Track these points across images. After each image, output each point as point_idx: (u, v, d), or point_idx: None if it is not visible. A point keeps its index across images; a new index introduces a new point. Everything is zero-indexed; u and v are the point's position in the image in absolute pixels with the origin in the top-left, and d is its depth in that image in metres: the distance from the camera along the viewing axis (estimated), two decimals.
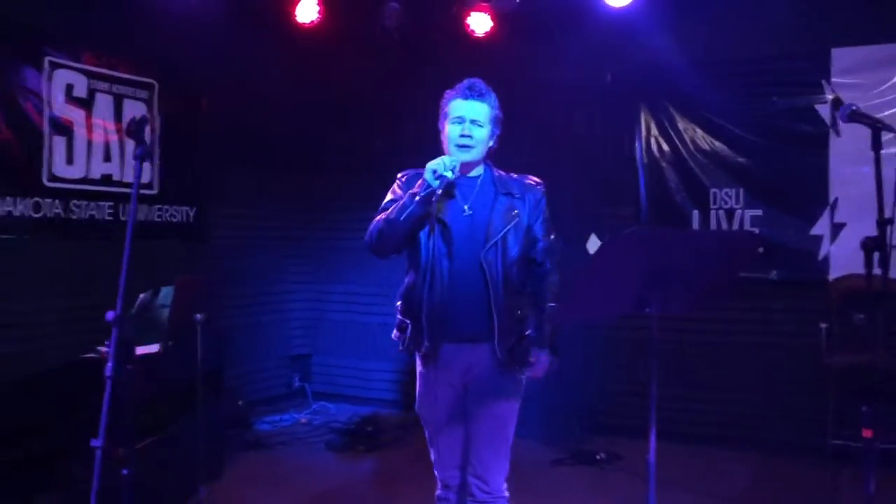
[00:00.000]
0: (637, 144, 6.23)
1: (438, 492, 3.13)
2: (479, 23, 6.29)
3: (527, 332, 2.96)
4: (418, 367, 3.09)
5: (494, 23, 6.28)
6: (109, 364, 2.48)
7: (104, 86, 5.62)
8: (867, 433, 2.53)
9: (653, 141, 6.18)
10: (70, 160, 5.42)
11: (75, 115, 5.43)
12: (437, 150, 3.00)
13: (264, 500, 4.78)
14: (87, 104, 5.51)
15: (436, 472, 3.12)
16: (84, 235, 5.46)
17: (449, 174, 2.83)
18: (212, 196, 6.46)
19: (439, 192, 2.81)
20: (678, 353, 5.87)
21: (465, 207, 3.01)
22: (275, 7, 6.06)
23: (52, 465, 4.09)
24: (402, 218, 2.87)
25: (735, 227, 5.80)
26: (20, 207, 5.11)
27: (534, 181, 3.16)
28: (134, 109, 5.80)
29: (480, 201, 3.03)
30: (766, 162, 5.78)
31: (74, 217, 5.43)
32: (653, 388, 2.62)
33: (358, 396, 7.23)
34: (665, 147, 6.14)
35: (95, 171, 5.56)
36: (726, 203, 5.89)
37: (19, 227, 5.11)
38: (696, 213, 5.99)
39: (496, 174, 3.13)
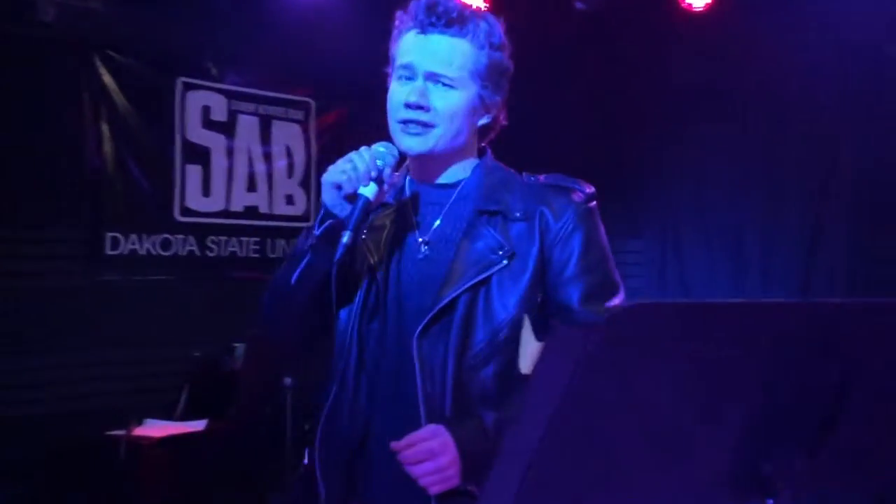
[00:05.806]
0: None
1: None
2: None
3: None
4: None
5: None
6: None
7: (249, 107, 4.99)
8: None
9: None
10: (207, 192, 4.86)
11: (213, 140, 4.87)
12: None
13: None
14: (227, 128, 4.92)
15: None
16: (223, 275, 4.87)
17: (367, 190, 1.54)
18: None
19: (352, 225, 1.53)
20: None
21: (422, 242, 1.64)
22: None
23: None
24: (293, 280, 1.59)
25: None
26: (146, 245, 4.62)
27: (574, 187, 1.63)
28: (284, 132, 5.13)
29: (451, 228, 1.62)
30: None
31: (212, 254, 4.85)
32: None
33: None
34: None
35: (237, 202, 4.95)
36: None
37: (145, 266, 4.62)
38: None
39: (496, 178, 1.66)
